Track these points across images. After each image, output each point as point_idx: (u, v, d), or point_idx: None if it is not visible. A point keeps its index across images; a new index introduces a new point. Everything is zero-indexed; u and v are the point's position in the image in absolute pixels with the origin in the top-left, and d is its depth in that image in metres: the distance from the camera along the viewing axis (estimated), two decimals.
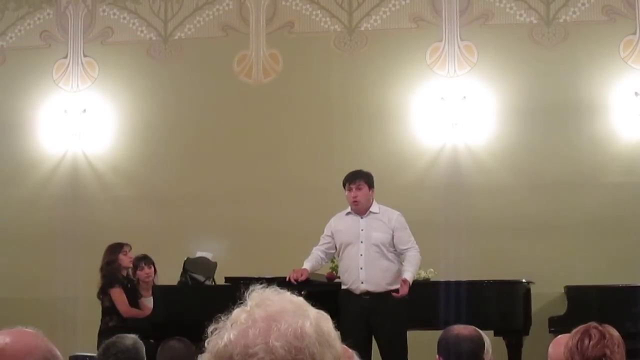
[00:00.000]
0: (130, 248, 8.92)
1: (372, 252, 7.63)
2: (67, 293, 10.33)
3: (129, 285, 8.82)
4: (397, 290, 7.56)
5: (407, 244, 7.68)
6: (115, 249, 8.86)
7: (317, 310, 1.76)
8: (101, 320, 8.72)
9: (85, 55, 11.08)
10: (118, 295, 8.66)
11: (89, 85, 11.01)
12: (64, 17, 11.16)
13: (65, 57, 11.11)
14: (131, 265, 8.95)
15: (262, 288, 1.78)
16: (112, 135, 10.88)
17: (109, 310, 8.69)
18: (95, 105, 10.92)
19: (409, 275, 7.52)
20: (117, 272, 8.78)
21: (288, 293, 1.78)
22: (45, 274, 10.47)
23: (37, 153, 10.96)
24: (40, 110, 11.00)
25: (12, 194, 10.90)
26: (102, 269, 8.80)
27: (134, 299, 8.82)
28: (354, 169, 7.97)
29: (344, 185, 7.82)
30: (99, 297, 8.76)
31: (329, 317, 1.77)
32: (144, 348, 4.87)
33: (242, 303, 1.76)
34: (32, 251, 10.63)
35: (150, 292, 8.75)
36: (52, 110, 10.96)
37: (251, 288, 1.78)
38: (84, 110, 10.90)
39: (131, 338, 4.89)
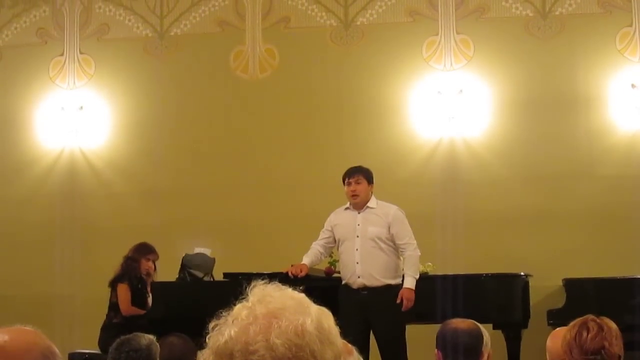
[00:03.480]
0: (157, 258, 8.96)
1: (368, 246, 7.64)
2: (64, 290, 10.33)
3: (139, 286, 8.83)
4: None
5: (403, 238, 7.67)
6: (144, 250, 8.94)
7: (318, 307, 1.76)
8: (106, 315, 8.76)
9: (81, 52, 11.07)
10: (123, 292, 8.70)
11: (85, 82, 11.01)
12: (59, 14, 11.15)
13: (62, 54, 11.10)
14: (145, 274, 8.94)
15: (263, 283, 1.79)
16: (109, 132, 10.88)
17: (115, 306, 8.74)
18: (92, 102, 10.92)
19: (409, 282, 7.55)
20: (133, 270, 8.81)
21: (290, 289, 1.78)
22: (43, 271, 10.48)
23: (34, 150, 10.95)
24: (37, 108, 11.00)
25: (9, 191, 10.90)
26: (122, 260, 8.84)
27: (142, 299, 8.82)
28: (350, 164, 8.00)
29: (344, 180, 7.83)
30: (109, 286, 8.79)
31: (330, 313, 1.77)
32: (159, 350, 4.83)
33: (243, 298, 1.76)
34: (29, 248, 10.64)
35: (149, 288, 8.77)
36: (49, 108, 10.96)
37: (253, 283, 1.78)
38: (81, 107, 10.90)
39: (147, 338, 4.86)
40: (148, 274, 8.97)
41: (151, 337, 4.88)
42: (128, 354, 4.75)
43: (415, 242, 7.70)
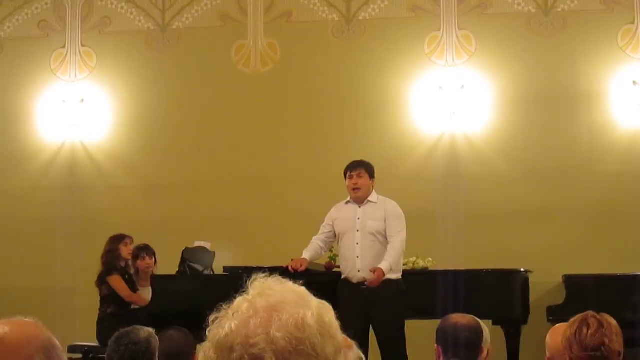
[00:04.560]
0: (132, 241, 9.04)
1: (368, 240, 7.63)
2: (65, 282, 10.33)
3: (126, 276, 8.87)
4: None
5: (393, 231, 7.64)
6: (117, 239, 8.97)
7: (319, 301, 1.76)
8: (99, 309, 8.78)
9: (83, 45, 11.06)
10: (117, 282, 8.74)
11: (87, 74, 11.01)
12: (61, 6, 11.14)
13: (63, 46, 11.10)
14: (130, 257, 9.02)
15: (264, 277, 1.78)
16: (110, 125, 10.88)
17: (107, 298, 8.77)
18: (93, 95, 10.91)
19: (384, 265, 7.45)
20: (116, 261, 8.87)
21: (290, 283, 1.78)
22: (43, 264, 10.49)
23: (35, 143, 10.95)
24: (39, 100, 11.00)
25: (10, 183, 10.91)
26: (102, 257, 8.89)
27: (131, 290, 8.86)
28: (351, 159, 8.00)
29: (345, 174, 7.83)
30: (97, 285, 8.82)
31: (331, 307, 1.77)
32: (158, 343, 4.84)
33: (244, 291, 1.76)
34: (30, 241, 10.64)
35: (149, 282, 8.78)
36: (50, 100, 10.95)
37: (253, 277, 1.78)
38: (82, 100, 10.90)
39: (146, 331, 4.85)
40: (127, 265, 9.01)
41: (150, 329, 4.88)
42: (127, 346, 4.74)
43: (404, 237, 7.63)
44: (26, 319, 2.05)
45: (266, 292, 1.73)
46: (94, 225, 10.41)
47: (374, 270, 7.43)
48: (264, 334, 1.66)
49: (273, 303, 1.71)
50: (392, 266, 7.51)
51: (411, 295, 7.72)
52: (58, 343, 2.06)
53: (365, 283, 7.54)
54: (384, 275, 7.43)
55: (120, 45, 10.98)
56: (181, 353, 4.86)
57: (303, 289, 1.77)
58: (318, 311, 1.72)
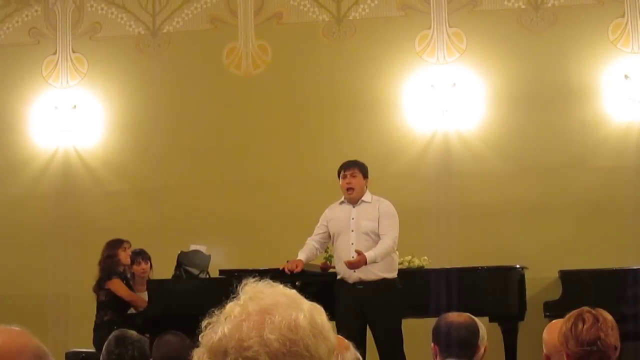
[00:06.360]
0: (130, 245, 8.97)
1: (363, 240, 7.62)
2: (59, 288, 10.32)
3: (124, 281, 8.83)
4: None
5: (384, 230, 7.63)
6: (115, 244, 8.90)
7: (310, 303, 1.77)
8: (96, 315, 8.73)
9: (74, 51, 11.06)
10: (118, 285, 8.69)
11: (78, 81, 11.00)
12: (51, 13, 11.14)
13: (54, 53, 11.09)
14: (129, 262, 8.96)
15: (254, 281, 1.79)
16: (102, 131, 10.88)
17: (104, 304, 8.71)
18: (86, 101, 10.91)
19: (370, 254, 7.42)
20: (115, 266, 8.81)
21: (281, 286, 1.79)
22: (38, 271, 10.48)
23: (28, 150, 10.95)
24: (31, 107, 10.99)
25: (4, 190, 10.90)
26: (100, 262, 8.83)
27: None
28: (344, 159, 8.00)
29: (339, 174, 7.83)
30: (94, 290, 8.77)
31: (322, 309, 1.78)
32: None
33: (235, 297, 1.76)
34: (24, 248, 10.63)
35: (145, 286, 8.76)
36: (43, 107, 10.95)
37: (244, 281, 1.79)
38: (74, 106, 10.89)
39: (135, 332, 5.14)
40: (125, 270, 8.97)
41: (134, 331, 5.16)
42: (133, 344, 4.96)
43: (395, 236, 7.61)
44: (12, 327, 2.04)
45: (257, 296, 1.74)
46: (88, 231, 10.40)
47: (358, 252, 7.42)
48: (258, 337, 1.67)
49: (265, 306, 1.71)
50: (377, 258, 7.47)
51: (407, 294, 7.72)
52: (47, 350, 2.06)
53: (360, 286, 7.53)
54: (366, 262, 7.41)
55: (111, 51, 10.97)
56: (178, 358, 4.87)
57: (294, 291, 1.78)
58: (310, 313, 1.73)
